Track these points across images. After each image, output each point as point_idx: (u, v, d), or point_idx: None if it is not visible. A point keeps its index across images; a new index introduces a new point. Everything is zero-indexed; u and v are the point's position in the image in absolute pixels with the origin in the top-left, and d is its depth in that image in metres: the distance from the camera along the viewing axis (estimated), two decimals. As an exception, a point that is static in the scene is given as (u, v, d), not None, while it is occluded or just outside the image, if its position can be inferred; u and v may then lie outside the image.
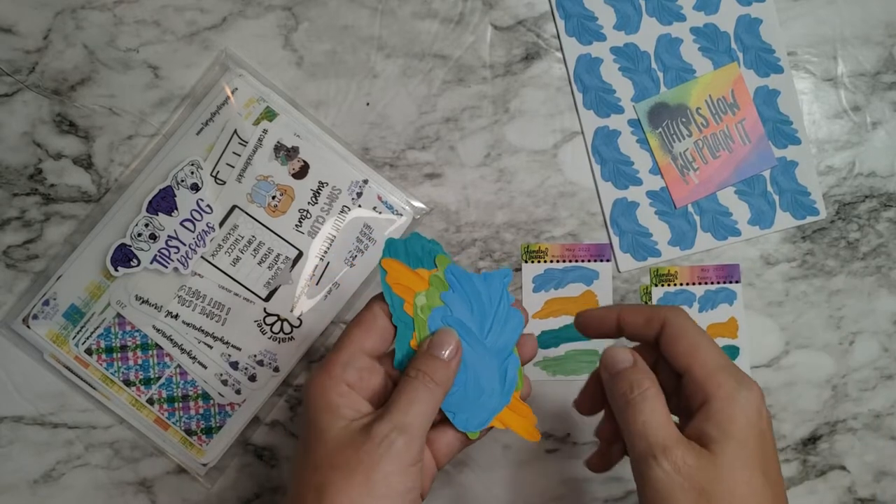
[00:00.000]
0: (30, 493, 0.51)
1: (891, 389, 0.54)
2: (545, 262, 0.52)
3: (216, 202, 0.50)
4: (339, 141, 0.51)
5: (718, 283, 0.53)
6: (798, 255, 0.53)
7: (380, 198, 0.51)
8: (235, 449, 0.51)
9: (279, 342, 0.51)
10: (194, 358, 0.50)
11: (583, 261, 0.53)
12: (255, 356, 0.51)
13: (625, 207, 0.53)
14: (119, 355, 0.50)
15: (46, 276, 0.50)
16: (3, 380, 0.51)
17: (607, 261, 0.53)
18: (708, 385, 0.37)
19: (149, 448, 0.51)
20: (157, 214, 0.50)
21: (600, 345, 0.52)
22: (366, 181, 0.51)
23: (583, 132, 0.53)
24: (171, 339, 0.50)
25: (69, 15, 0.51)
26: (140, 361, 0.50)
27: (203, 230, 0.50)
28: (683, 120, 0.53)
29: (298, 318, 0.51)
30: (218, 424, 0.51)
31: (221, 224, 0.50)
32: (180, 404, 0.51)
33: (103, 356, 0.50)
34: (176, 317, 0.50)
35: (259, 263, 0.50)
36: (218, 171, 0.50)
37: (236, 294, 0.50)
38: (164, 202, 0.50)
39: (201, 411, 0.51)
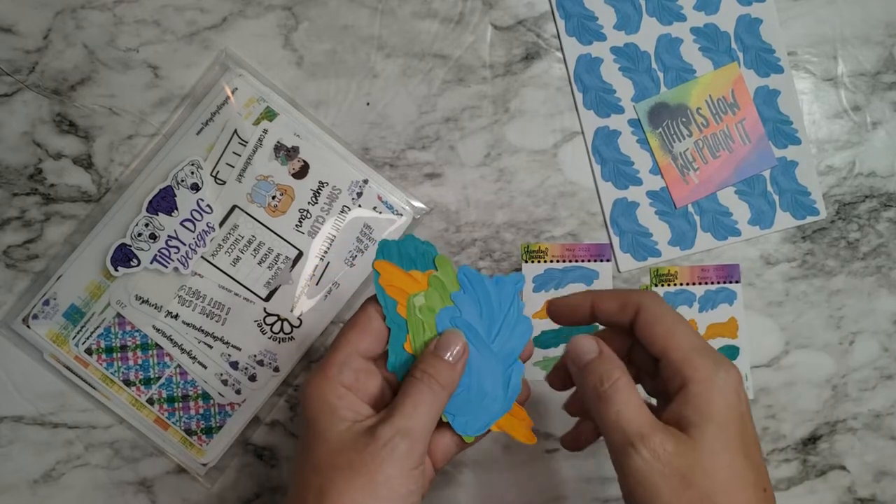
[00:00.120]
0: (30, 493, 0.51)
1: (891, 389, 0.54)
2: (545, 262, 0.52)
3: (216, 202, 0.50)
4: (339, 141, 0.51)
5: (718, 283, 0.53)
6: (798, 255, 0.53)
7: (380, 198, 0.51)
8: (235, 449, 0.51)
9: (279, 342, 0.51)
10: (194, 358, 0.50)
11: (583, 261, 0.53)
12: (255, 356, 0.51)
13: (625, 207, 0.53)
14: (119, 355, 0.50)
15: (46, 276, 0.50)
16: (3, 380, 0.51)
17: (607, 261, 0.53)
18: (685, 368, 0.36)
19: (149, 448, 0.51)
20: (157, 214, 0.50)
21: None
22: (366, 181, 0.51)
23: (583, 132, 0.53)
24: (171, 339, 0.50)
25: (69, 15, 0.51)
26: (140, 361, 0.50)
27: (203, 230, 0.50)
28: (683, 120, 0.53)
29: (298, 318, 0.51)
30: (218, 424, 0.51)
31: (221, 224, 0.50)
32: (180, 404, 0.51)
33: (103, 356, 0.50)
34: (176, 317, 0.50)
35: (259, 263, 0.50)
36: (218, 171, 0.50)
37: (236, 294, 0.50)
38: (164, 202, 0.50)
39: (201, 411, 0.51)
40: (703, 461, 0.34)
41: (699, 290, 0.53)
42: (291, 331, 0.51)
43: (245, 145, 0.50)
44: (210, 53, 0.51)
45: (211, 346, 0.50)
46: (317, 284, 0.51)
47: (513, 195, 0.52)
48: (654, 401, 0.41)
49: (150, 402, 0.50)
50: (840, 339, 0.54)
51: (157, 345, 0.50)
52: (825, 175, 0.54)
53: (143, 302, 0.50)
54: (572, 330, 0.50)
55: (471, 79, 0.52)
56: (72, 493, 0.51)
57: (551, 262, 0.53)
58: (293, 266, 0.51)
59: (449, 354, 0.38)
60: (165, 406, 0.51)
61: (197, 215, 0.50)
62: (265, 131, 0.50)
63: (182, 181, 0.50)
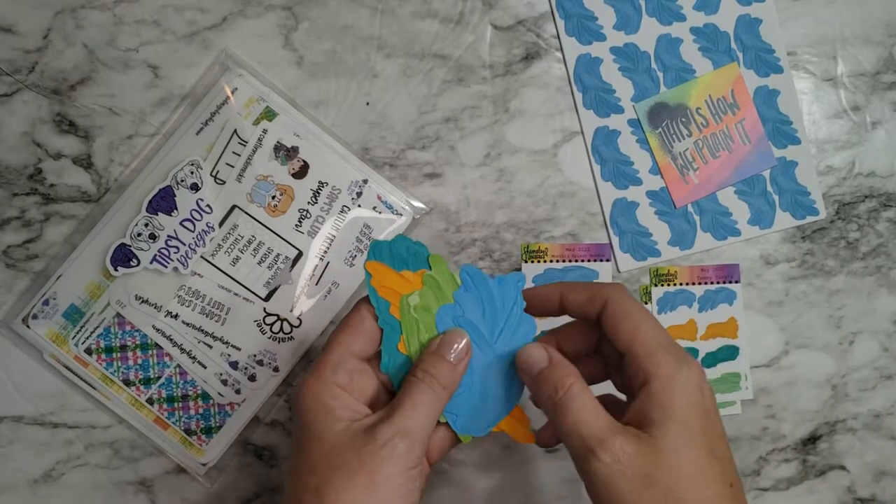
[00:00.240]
0: (30, 493, 0.51)
1: (891, 389, 0.54)
2: (545, 261, 0.52)
3: (216, 202, 0.50)
4: (339, 141, 0.51)
5: (718, 283, 0.53)
6: (798, 254, 0.53)
7: (380, 198, 0.51)
8: (235, 449, 0.51)
9: (279, 342, 0.51)
10: (194, 358, 0.50)
11: (583, 261, 0.53)
12: (254, 356, 0.51)
13: (625, 207, 0.53)
14: (119, 355, 0.50)
15: (46, 276, 0.50)
16: (3, 380, 0.51)
17: (607, 261, 0.53)
18: (648, 364, 0.36)
19: (148, 448, 0.51)
20: (157, 214, 0.50)
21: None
22: (366, 181, 0.51)
23: (583, 132, 0.53)
24: (171, 339, 0.50)
25: (69, 14, 0.51)
26: (140, 361, 0.50)
27: (203, 230, 0.50)
28: (683, 120, 0.53)
29: (298, 318, 0.51)
30: (217, 424, 0.51)
31: (221, 224, 0.50)
32: (180, 404, 0.51)
33: (103, 356, 0.50)
34: (176, 316, 0.50)
35: (259, 263, 0.50)
36: (218, 171, 0.50)
37: (236, 294, 0.50)
38: (163, 202, 0.50)
39: (201, 411, 0.51)
40: (666, 459, 0.34)
41: (699, 290, 0.53)
42: (291, 331, 0.51)
43: (245, 145, 0.50)
44: (210, 53, 0.51)
45: (211, 346, 0.50)
46: (316, 284, 0.51)
47: (513, 195, 0.52)
48: (624, 397, 0.40)
49: (150, 401, 0.50)
50: (840, 339, 0.54)
51: (156, 345, 0.50)
52: (825, 175, 0.54)
53: (142, 302, 0.50)
54: None
55: (471, 79, 0.52)
56: (72, 493, 0.51)
57: (551, 262, 0.53)
58: (293, 266, 0.51)
59: (451, 354, 0.38)
60: (165, 406, 0.51)
61: (197, 215, 0.50)
62: (265, 131, 0.50)
63: (182, 181, 0.50)
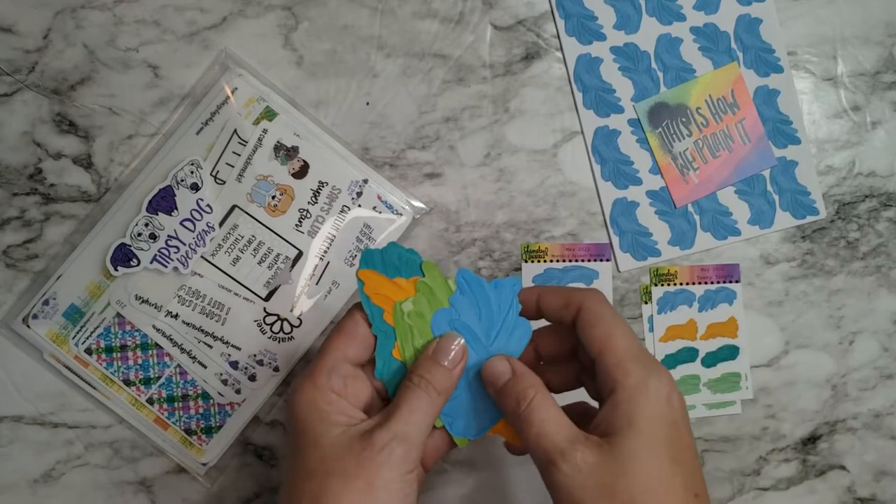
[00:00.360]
0: (30, 493, 0.51)
1: (891, 389, 0.54)
2: (545, 261, 0.53)
3: (216, 202, 0.50)
4: (339, 140, 0.51)
5: (718, 282, 0.53)
6: (798, 254, 0.53)
7: (380, 197, 0.51)
8: (235, 448, 0.51)
9: (279, 342, 0.51)
10: (194, 357, 0.50)
11: (583, 260, 0.53)
12: (254, 356, 0.51)
13: (625, 207, 0.53)
14: (119, 355, 0.50)
15: (46, 276, 0.50)
16: (3, 379, 0.51)
17: (607, 260, 0.53)
18: (617, 373, 0.36)
19: (148, 448, 0.51)
20: (157, 214, 0.50)
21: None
22: (366, 181, 0.51)
23: (583, 132, 0.53)
24: (171, 339, 0.50)
25: (69, 14, 0.51)
26: (140, 361, 0.50)
27: (203, 230, 0.50)
28: (683, 120, 0.53)
29: (298, 318, 0.51)
30: (218, 424, 0.51)
31: (221, 224, 0.50)
32: (180, 404, 0.51)
33: (103, 356, 0.50)
34: (176, 316, 0.50)
35: (259, 263, 0.50)
36: (218, 171, 0.50)
37: (236, 294, 0.50)
38: (163, 202, 0.50)
39: (201, 411, 0.51)
40: (626, 468, 0.34)
41: (699, 290, 0.53)
42: (291, 330, 0.51)
43: (245, 145, 0.50)
44: (210, 53, 0.51)
45: (211, 346, 0.50)
46: (317, 284, 0.51)
47: (513, 195, 0.52)
48: (597, 404, 0.41)
49: (150, 401, 0.50)
50: (840, 339, 0.54)
51: (156, 344, 0.50)
52: (825, 175, 0.54)
53: (142, 302, 0.50)
54: None
55: (471, 79, 0.52)
56: (72, 493, 0.51)
57: (551, 261, 0.53)
58: (293, 266, 0.51)
59: (446, 359, 0.38)
60: (165, 406, 0.51)
61: (197, 215, 0.50)
62: (265, 131, 0.50)
63: (182, 181, 0.50)
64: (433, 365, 0.38)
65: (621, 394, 0.36)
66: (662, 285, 0.53)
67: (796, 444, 0.53)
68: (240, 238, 0.50)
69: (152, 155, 0.50)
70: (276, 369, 0.51)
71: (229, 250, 0.50)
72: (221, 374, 0.51)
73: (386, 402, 0.40)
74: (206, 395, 0.51)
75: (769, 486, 0.53)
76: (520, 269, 0.52)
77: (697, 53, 0.53)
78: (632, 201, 0.53)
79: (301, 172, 0.51)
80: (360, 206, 0.51)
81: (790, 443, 0.53)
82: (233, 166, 0.50)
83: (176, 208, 0.50)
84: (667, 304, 0.53)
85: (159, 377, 0.50)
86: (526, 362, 0.40)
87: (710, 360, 0.53)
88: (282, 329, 0.51)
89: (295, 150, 0.51)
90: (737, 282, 0.53)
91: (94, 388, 0.50)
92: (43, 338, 0.50)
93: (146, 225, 0.49)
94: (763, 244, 0.53)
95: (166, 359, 0.50)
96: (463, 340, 0.39)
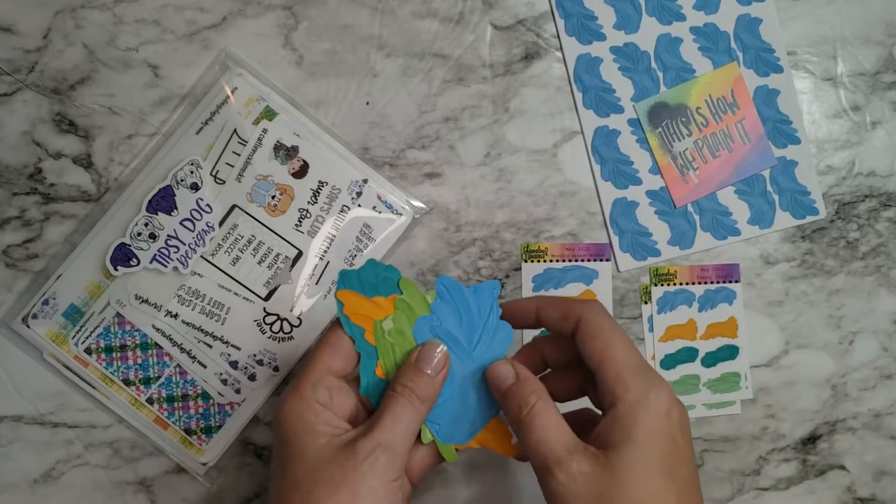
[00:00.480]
0: (30, 493, 0.51)
1: (890, 389, 0.54)
2: (545, 261, 0.53)
3: (216, 201, 0.50)
4: (339, 140, 0.51)
5: (718, 282, 0.53)
6: (798, 254, 0.53)
7: (379, 197, 0.51)
8: (235, 448, 0.51)
9: (279, 342, 0.51)
10: (194, 357, 0.50)
11: (582, 260, 0.53)
12: (254, 355, 0.51)
13: (624, 207, 0.53)
14: (118, 355, 0.50)
15: (46, 276, 0.50)
16: (2, 379, 0.51)
17: (607, 260, 0.53)
18: (616, 387, 0.36)
19: (148, 447, 0.51)
20: (157, 214, 0.50)
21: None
22: (365, 181, 0.51)
23: (582, 132, 0.53)
24: (171, 339, 0.50)
25: (69, 14, 0.51)
26: (139, 361, 0.50)
27: (203, 229, 0.50)
28: (683, 119, 0.53)
29: (298, 318, 0.51)
30: (217, 424, 0.51)
31: (221, 223, 0.50)
32: (180, 404, 0.51)
33: (103, 355, 0.50)
34: (175, 316, 0.50)
35: (259, 263, 0.50)
36: (217, 171, 0.50)
37: (236, 293, 0.50)
38: (163, 201, 0.50)
39: (201, 411, 0.51)
40: (619, 481, 0.34)
41: (699, 290, 0.53)
42: (291, 330, 0.51)
43: (245, 145, 0.50)
44: (210, 53, 0.51)
45: (210, 346, 0.50)
46: (316, 284, 0.51)
47: (513, 195, 0.52)
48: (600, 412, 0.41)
49: (150, 401, 0.50)
50: (840, 339, 0.54)
51: (156, 344, 0.50)
52: (825, 175, 0.54)
53: (142, 301, 0.50)
54: None
55: (471, 78, 0.52)
56: (71, 493, 0.51)
57: (551, 261, 0.53)
58: (293, 265, 0.51)
59: (429, 367, 0.39)
60: (165, 405, 0.51)
61: (196, 215, 0.50)
62: (265, 131, 0.50)
63: (182, 181, 0.50)
64: (416, 373, 0.39)
65: (621, 408, 0.36)
66: (662, 285, 0.53)
67: (796, 443, 0.53)
68: (240, 238, 0.50)
69: (152, 155, 0.50)
70: (275, 369, 0.51)
71: (229, 250, 0.50)
72: (221, 374, 0.51)
73: (370, 413, 0.40)
74: (205, 395, 0.51)
75: (769, 485, 0.53)
76: (520, 268, 0.52)
77: (697, 53, 0.53)
78: (632, 201, 0.53)
79: (301, 172, 0.51)
80: (359, 205, 0.51)
81: (790, 443, 0.53)
82: (233, 166, 0.50)
83: (176, 208, 0.50)
84: (666, 304, 0.53)
85: (159, 377, 0.50)
86: (532, 368, 0.40)
87: (710, 359, 0.53)
88: (281, 329, 0.51)
89: (295, 149, 0.51)
90: (737, 282, 0.53)
91: (93, 387, 0.50)
92: (43, 337, 0.50)
93: (146, 225, 0.49)
94: (763, 244, 0.53)
95: (166, 358, 0.50)
96: (445, 347, 0.39)
